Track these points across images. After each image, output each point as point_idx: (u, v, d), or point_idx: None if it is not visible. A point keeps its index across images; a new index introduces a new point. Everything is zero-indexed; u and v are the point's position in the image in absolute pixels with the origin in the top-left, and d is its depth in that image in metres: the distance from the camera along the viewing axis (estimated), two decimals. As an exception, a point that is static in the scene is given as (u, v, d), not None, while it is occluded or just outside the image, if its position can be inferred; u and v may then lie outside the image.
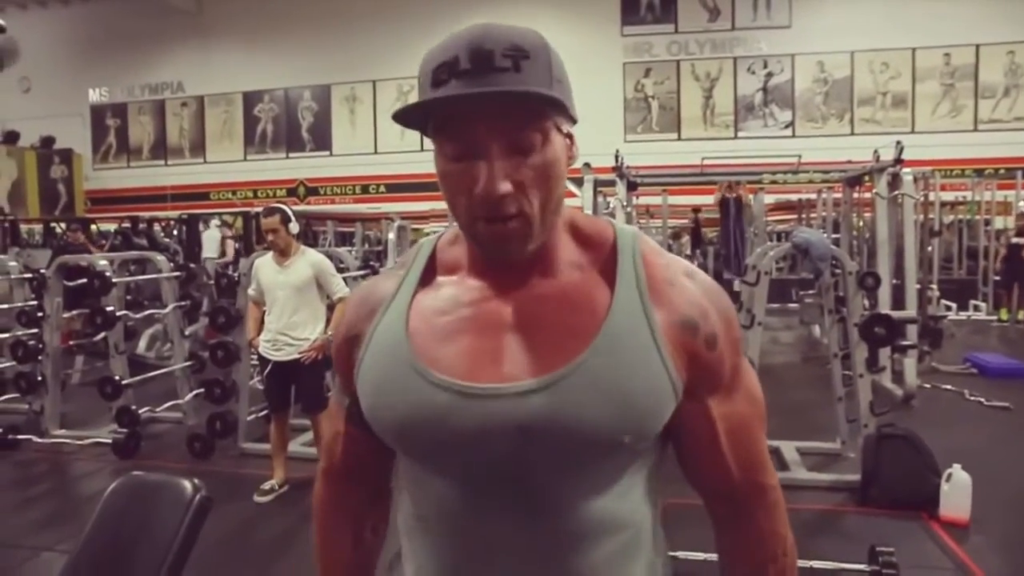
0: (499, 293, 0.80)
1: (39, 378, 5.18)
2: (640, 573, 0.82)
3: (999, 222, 11.70)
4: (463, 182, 0.74)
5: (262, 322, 3.98)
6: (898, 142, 5.79)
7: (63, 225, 11.16)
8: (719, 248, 9.66)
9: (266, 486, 3.95)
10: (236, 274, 5.03)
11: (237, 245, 10.60)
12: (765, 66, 14.03)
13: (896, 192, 6.07)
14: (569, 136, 0.79)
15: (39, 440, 4.96)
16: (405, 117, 0.74)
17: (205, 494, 1.50)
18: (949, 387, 6.18)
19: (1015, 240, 10.02)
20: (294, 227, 3.87)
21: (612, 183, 6.65)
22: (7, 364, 5.70)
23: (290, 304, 3.82)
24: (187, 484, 1.50)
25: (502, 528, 0.77)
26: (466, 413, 0.74)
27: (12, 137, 15.27)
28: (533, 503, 0.76)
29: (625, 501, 0.79)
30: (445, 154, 0.75)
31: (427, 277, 0.86)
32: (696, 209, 11.18)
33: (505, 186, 0.72)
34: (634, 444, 0.76)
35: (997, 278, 10.59)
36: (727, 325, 0.81)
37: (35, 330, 5.39)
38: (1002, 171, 12.07)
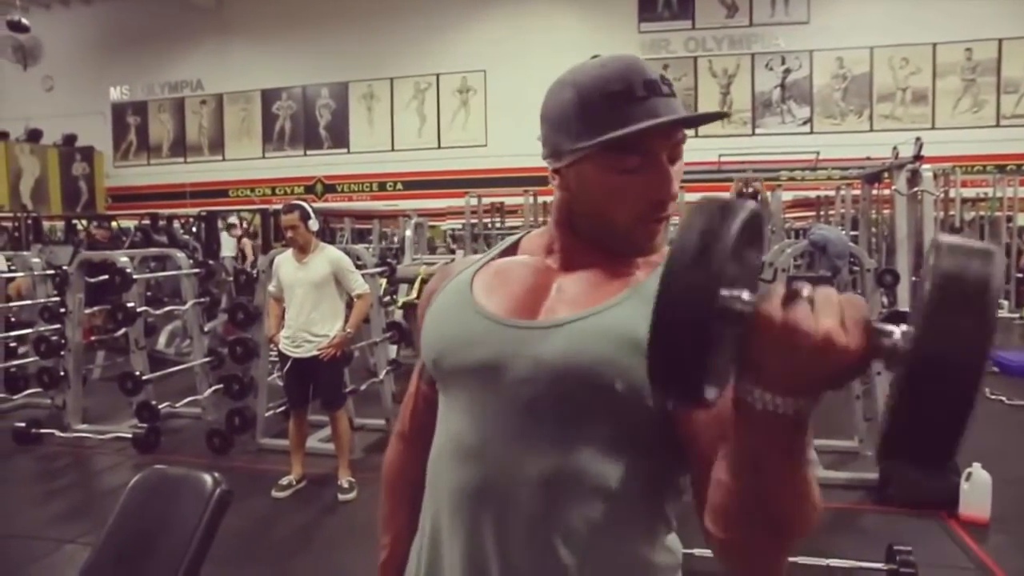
0: (560, 268, 0.94)
1: (61, 373, 5.25)
2: (621, 554, 0.84)
3: (1021, 219, 11.51)
4: (635, 188, 0.86)
5: (283, 319, 4.01)
6: (918, 138, 5.72)
7: (84, 222, 11.28)
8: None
9: (284, 482, 3.99)
10: (255, 271, 5.06)
11: (254, 243, 10.59)
12: (783, 62, 13.90)
13: (916, 189, 6.01)
14: None
15: (61, 434, 5.03)
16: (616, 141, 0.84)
17: (225, 488, 1.51)
18: (969, 386, 6.11)
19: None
20: (313, 224, 3.89)
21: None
22: (30, 359, 5.80)
23: (309, 301, 3.85)
24: (208, 478, 1.51)
25: (503, 461, 0.84)
26: (495, 339, 0.87)
27: (35, 135, 15.44)
28: (534, 437, 0.83)
29: (618, 471, 0.83)
30: (619, 167, 0.85)
31: (503, 255, 1.01)
32: None
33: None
34: (627, 395, 0.79)
35: (1019, 275, 10.45)
36: None
37: (57, 326, 5.47)
38: (1025, 167, 11.90)
